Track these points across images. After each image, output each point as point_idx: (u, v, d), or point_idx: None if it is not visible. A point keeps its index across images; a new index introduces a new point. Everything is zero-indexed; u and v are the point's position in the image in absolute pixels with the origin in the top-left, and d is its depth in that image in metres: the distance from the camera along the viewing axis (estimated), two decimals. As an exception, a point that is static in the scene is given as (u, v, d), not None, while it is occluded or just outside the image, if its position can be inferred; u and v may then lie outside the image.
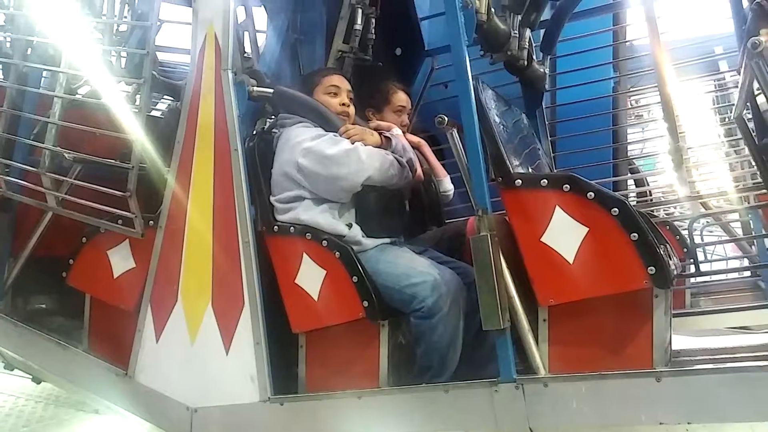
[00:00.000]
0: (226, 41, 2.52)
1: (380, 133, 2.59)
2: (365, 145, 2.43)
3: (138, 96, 2.73)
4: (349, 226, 2.43)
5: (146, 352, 2.62)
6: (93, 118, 2.72)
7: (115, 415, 2.93)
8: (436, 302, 2.24)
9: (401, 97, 3.04)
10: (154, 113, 3.59)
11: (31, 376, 3.27)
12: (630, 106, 5.15)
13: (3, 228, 2.95)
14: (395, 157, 2.47)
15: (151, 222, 2.62)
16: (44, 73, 3.09)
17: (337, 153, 2.36)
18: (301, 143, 2.42)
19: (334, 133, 2.48)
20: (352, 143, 2.43)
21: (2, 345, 3.02)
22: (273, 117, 2.76)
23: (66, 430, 3.79)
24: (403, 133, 2.93)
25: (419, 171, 2.86)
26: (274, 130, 2.60)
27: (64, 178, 2.75)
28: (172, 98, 3.16)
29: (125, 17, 3.81)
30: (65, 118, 2.73)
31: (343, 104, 2.65)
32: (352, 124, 2.63)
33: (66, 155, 2.73)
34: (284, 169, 2.46)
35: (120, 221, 2.63)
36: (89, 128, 2.69)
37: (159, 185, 2.64)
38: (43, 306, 3.20)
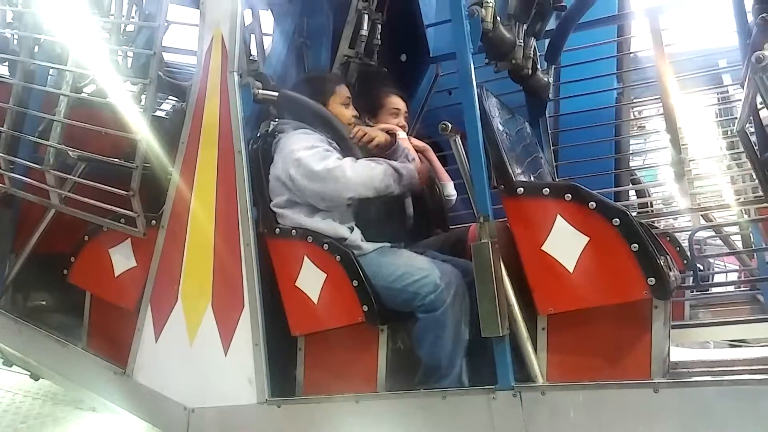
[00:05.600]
0: (232, 44, 2.53)
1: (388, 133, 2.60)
2: (372, 143, 2.48)
3: (143, 96, 2.74)
4: (351, 229, 2.45)
5: (145, 352, 2.63)
6: (98, 117, 2.73)
7: (113, 414, 2.93)
8: (439, 296, 2.26)
9: (395, 100, 3.03)
10: (159, 113, 3.60)
11: (29, 373, 3.28)
12: (633, 117, 5.15)
13: (6, 224, 2.96)
14: (389, 164, 2.45)
15: (154, 221, 2.62)
16: (51, 71, 3.10)
17: (321, 170, 2.36)
18: (294, 152, 2.42)
19: (327, 147, 2.46)
20: (363, 143, 2.48)
21: (1, 341, 3.02)
22: (277, 120, 2.78)
23: (63, 427, 3.78)
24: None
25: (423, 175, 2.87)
26: (277, 133, 2.61)
27: (68, 176, 2.76)
28: (177, 99, 3.18)
29: (133, 17, 3.82)
30: (71, 117, 2.75)
31: (354, 115, 2.70)
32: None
33: (70, 153, 2.74)
34: (278, 176, 2.48)
35: (122, 220, 2.64)
36: (94, 127, 2.70)
37: (162, 185, 2.65)
38: (44, 303, 3.21)
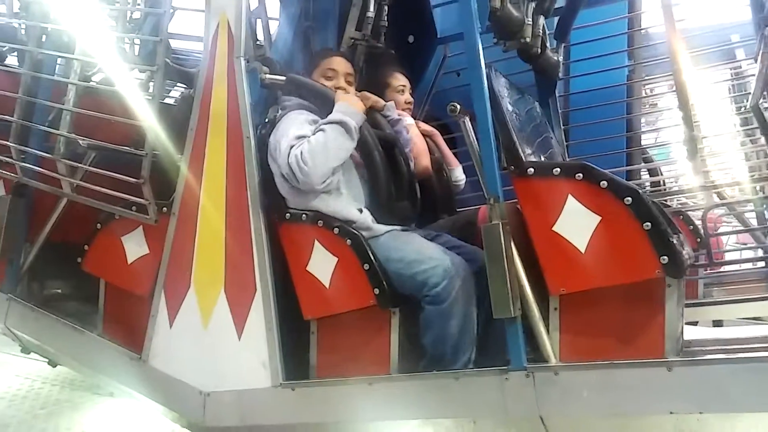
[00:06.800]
0: (238, 29, 2.52)
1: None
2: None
3: (151, 83, 2.74)
4: (360, 210, 2.45)
5: (160, 337, 2.65)
6: (107, 105, 2.73)
7: (130, 399, 2.97)
8: (447, 287, 2.24)
9: (399, 77, 3.09)
10: (167, 101, 3.61)
11: (47, 360, 3.32)
12: (644, 95, 5.09)
13: (19, 214, 2.98)
14: (331, 121, 2.38)
15: (165, 209, 2.64)
16: (59, 60, 3.11)
17: (287, 171, 2.35)
18: (280, 141, 2.40)
19: (304, 133, 2.41)
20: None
21: (19, 329, 3.07)
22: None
23: (81, 412, 3.84)
24: (410, 113, 2.94)
25: (426, 161, 2.87)
26: (280, 110, 2.60)
27: (79, 165, 2.78)
28: (185, 86, 3.18)
29: (139, 4, 3.82)
30: (80, 105, 2.75)
31: (339, 88, 2.62)
32: None
33: (80, 142, 2.76)
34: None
35: (134, 208, 2.65)
36: (103, 115, 2.70)
37: (172, 172, 2.66)
38: (59, 291, 3.24)
